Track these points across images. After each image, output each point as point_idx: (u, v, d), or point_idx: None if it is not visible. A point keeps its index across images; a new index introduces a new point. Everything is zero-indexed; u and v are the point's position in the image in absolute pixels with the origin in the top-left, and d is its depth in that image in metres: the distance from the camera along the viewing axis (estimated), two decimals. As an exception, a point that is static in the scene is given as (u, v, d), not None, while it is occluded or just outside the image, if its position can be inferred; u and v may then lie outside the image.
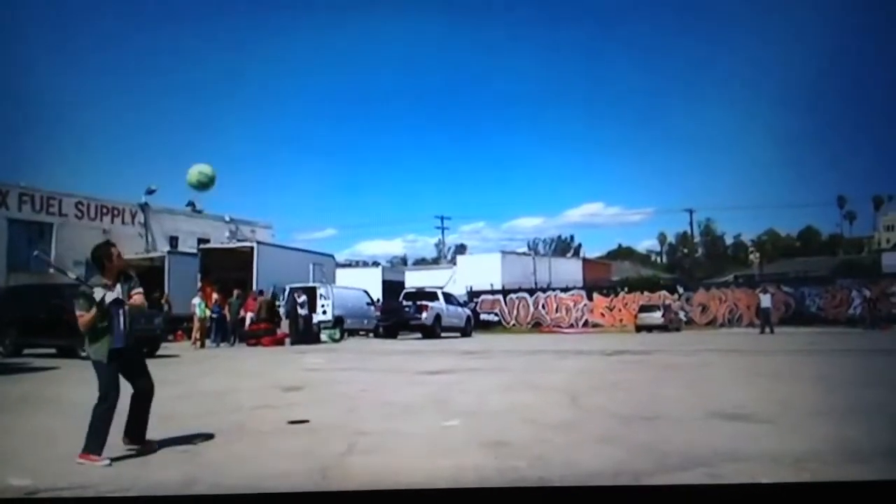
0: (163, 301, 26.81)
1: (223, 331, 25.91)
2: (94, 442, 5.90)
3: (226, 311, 26.09)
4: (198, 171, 7.40)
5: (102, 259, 6.30)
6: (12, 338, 19.34)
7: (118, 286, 6.23)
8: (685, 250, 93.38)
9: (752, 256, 69.43)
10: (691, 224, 78.08)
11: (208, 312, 25.28)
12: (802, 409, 8.25)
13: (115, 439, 6.13)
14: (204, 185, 7.44)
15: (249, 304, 26.61)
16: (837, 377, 12.26)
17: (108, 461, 5.83)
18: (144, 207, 40.00)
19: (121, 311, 6.21)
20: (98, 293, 6.13)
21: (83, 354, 12.56)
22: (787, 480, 4.99)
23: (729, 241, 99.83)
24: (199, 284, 27.71)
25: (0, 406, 9.60)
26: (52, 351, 18.76)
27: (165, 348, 20.15)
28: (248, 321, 26.36)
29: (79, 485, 5.21)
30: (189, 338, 25.44)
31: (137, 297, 6.36)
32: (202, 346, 24.27)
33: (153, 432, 6.46)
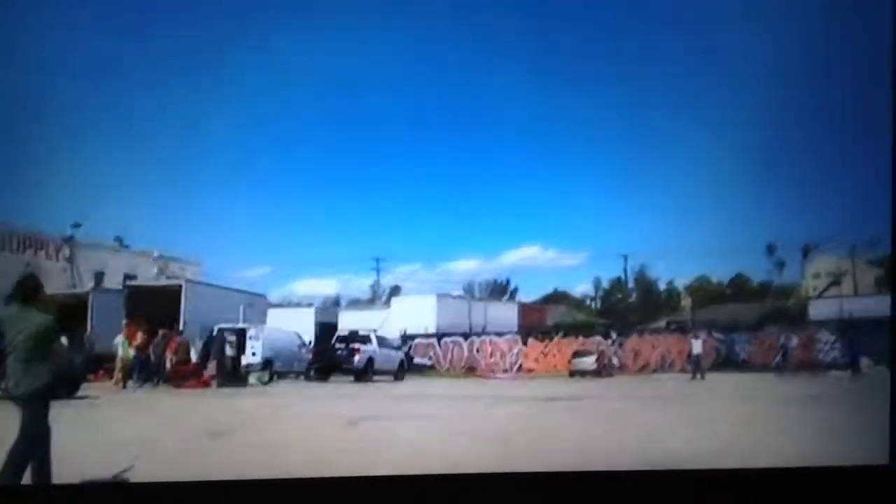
0: (84, 339, 25.96)
1: (146, 371, 25.14)
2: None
3: (150, 351, 25.40)
4: None
5: (36, 290, 6.22)
6: None
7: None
8: (619, 295, 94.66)
9: (684, 302, 70.70)
10: (625, 269, 79.44)
11: (131, 352, 24.54)
12: (733, 455, 8.30)
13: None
14: None
15: (171, 344, 25.98)
16: (766, 421, 12.45)
17: None
18: (70, 241, 38.88)
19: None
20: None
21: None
22: None
23: (662, 286, 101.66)
24: (124, 322, 26.93)
25: None
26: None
27: (85, 388, 19.43)
28: (168, 362, 25.68)
29: None
30: (111, 378, 24.57)
31: None
32: (124, 386, 23.48)
33: (64, 480, 6.16)
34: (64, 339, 6.01)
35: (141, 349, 25.00)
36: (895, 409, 4.40)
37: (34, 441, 5.81)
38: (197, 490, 4.34)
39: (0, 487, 4.64)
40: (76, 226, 39.26)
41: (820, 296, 59.41)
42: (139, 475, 7.11)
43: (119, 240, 44.08)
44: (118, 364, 24.00)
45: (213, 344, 26.23)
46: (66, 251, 38.62)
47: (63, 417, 6.44)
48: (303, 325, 38.00)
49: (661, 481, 3.74)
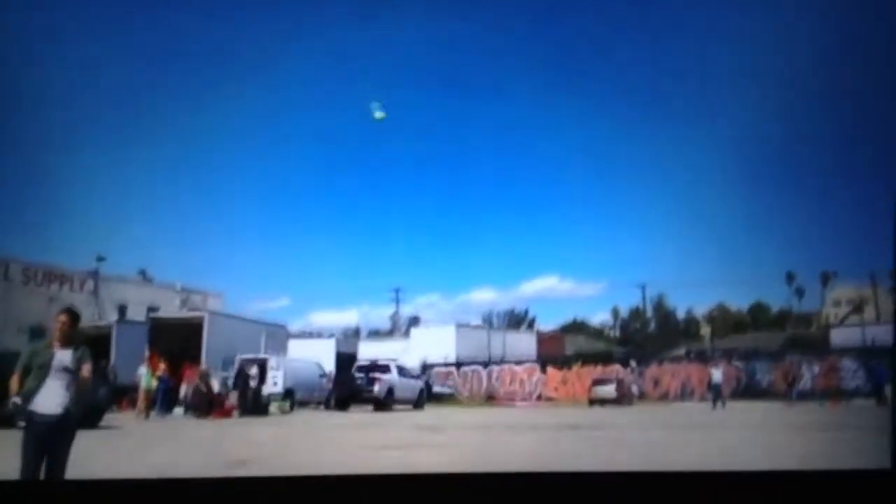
0: (108, 370, 26.23)
1: (169, 401, 25.38)
2: None
3: (171, 382, 25.71)
4: None
5: (52, 322, 6.35)
6: None
7: (67, 352, 6.18)
8: (638, 324, 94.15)
9: (703, 330, 70.23)
10: (644, 298, 78.97)
11: (154, 383, 24.79)
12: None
13: None
14: None
15: (187, 374, 26.20)
16: (788, 451, 12.39)
17: None
18: (94, 275, 39.36)
19: (57, 379, 6.12)
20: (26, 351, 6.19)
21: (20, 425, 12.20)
22: None
23: (681, 315, 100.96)
24: (147, 354, 27.22)
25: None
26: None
27: (109, 419, 19.62)
28: (183, 392, 25.89)
29: None
30: (134, 408, 24.83)
31: (85, 369, 6.28)
32: (147, 416, 23.69)
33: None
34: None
35: (163, 380, 25.28)
36: None
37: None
38: (201, 487, 4.43)
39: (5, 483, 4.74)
40: (100, 259, 39.82)
41: (841, 323, 58.87)
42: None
43: (142, 273, 44.55)
44: (141, 395, 24.28)
45: (237, 374, 26.45)
46: (91, 284, 39.10)
47: (86, 445, 6.54)
48: (323, 356, 38.16)
49: (663, 483, 3.82)
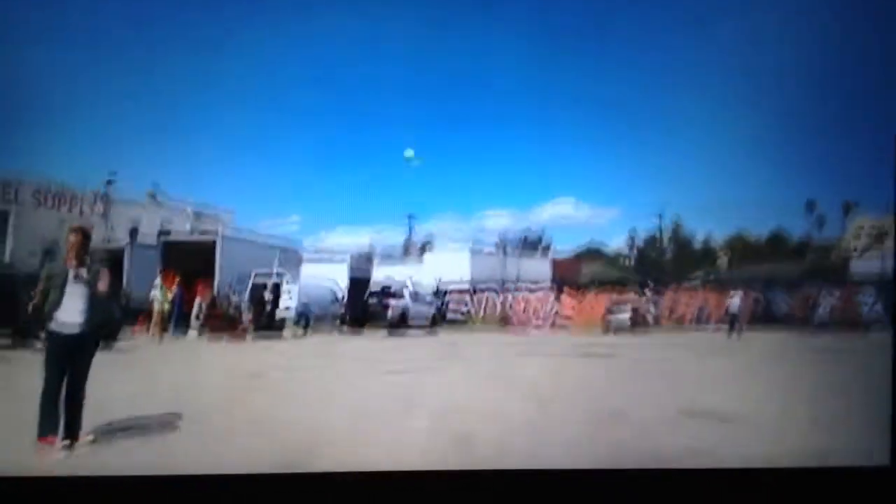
0: (121, 292, 26.26)
1: (183, 322, 25.48)
2: (44, 425, 5.90)
3: (183, 302, 25.81)
4: None
5: (65, 241, 6.44)
6: None
7: (82, 269, 6.25)
8: (654, 250, 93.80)
9: (720, 259, 69.85)
10: (661, 224, 78.44)
11: (167, 303, 24.83)
12: (772, 409, 8.17)
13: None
14: None
15: (200, 290, 26.26)
16: (803, 379, 12.23)
17: (67, 442, 5.86)
18: (104, 196, 39.14)
19: (75, 294, 6.16)
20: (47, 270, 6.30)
21: (38, 345, 12.14)
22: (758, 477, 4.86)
23: (698, 242, 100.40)
24: (160, 275, 27.21)
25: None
26: (6, 342, 18.20)
27: (123, 339, 19.70)
28: (196, 309, 25.97)
29: (38, 470, 5.23)
30: (148, 329, 24.89)
31: (101, 283, 6.33)
32: (161, 337, 23.76)
33: (117, 420, 6.26)
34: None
35: (177, 301, 25.32)
36: None
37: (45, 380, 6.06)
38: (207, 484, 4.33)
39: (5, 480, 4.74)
40: (110, 181, 39.48)
41: (862, 253, 58.35)
42: (184, 415, 7.16)
43: (152, 194, 44.32)
44: (155, 316, 24.29)
45: (251, 294, 26.46)
46: (100, 206, 38.91)
47: (103, 365, 6.52)
48: (336, 278, 38.19)
49: (663, 481, 3.65)
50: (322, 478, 4.22)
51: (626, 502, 4.33)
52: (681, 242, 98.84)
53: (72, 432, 6.06)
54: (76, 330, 6.12)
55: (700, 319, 39.18)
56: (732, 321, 29.93)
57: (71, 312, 6.11)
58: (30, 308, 6.34)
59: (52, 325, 6.09)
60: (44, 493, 4.88)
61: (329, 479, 4.14)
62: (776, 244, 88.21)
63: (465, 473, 4.19)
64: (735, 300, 30.91)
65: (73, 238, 6.32)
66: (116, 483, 4.86)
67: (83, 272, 6.21)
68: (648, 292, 41.84)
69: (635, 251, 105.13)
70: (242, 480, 4.39)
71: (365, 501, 3.97)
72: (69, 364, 6.11)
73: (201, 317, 25.75)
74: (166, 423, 6.76)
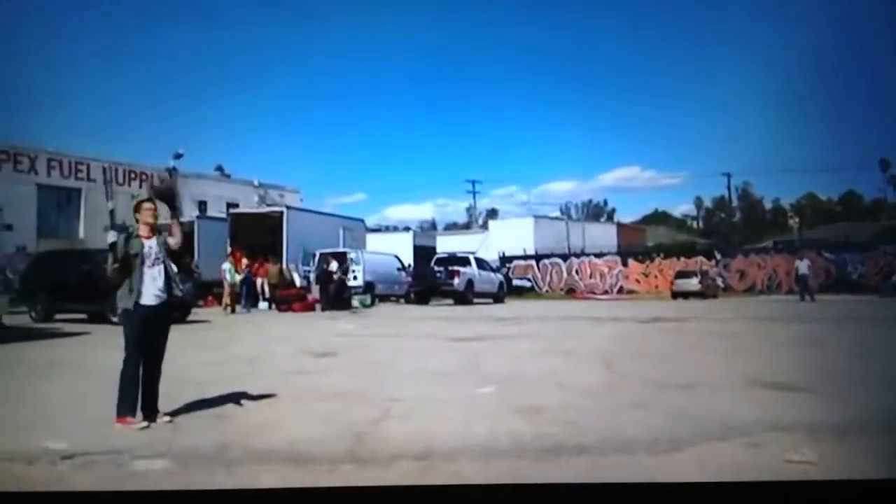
0: (192, 266, 26.91)
1: (253, 296, 26.04)
2: (123, 404, 5.88)
3: (256, 277, 26.38)
4: None
5: (134, 212, 6.21)
6: (44, 303, 19.51)
7: (153, 240, 6.14)
8: (722, 215, 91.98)
9: (791, 221, 68.03)
10: (729, 188, 76.91)
11: (238, 277, 25.37)
12: (843, 378, 8.05)
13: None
14: None
15: (261, 269, 26.78)
16: (879, 346, 11.98)
17: (144, 424, 5.84)
18: (172, 172, 39.86)
19: (152, 268, 6.09)
20: (111, 237, 6.14)
21: (114, 320, 12.60)
22: (827, 452, 4.82)
23: (767, 205, 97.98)
24: (229, 250, 27.77)
25: (32, 371, 9.62)
26: (83, 316, 18.90)
27: (196, 314, 20.22)
28: (259, 286, 26.55)
29: (113, 449, 5.16)
30: (219, 303, 25.51)
31: (171, 239, 6.27)
32: (233, 311, 24.34)
33: (187, 396, 6.43)
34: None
35: (247, 275, 25.95)
36: None
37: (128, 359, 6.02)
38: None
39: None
40: (178, 156, 40.22)
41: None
42: (254, 389, 7.37)
43: (220, 169, 45.06)
44: (226, 289, 24.84)
45: (318, 268, 26.87)
46: (170, 181, 39.70)
47: (177, 340, 6.64)
48: (401, 249, 38.47)
49: (665, 495, 3.61)
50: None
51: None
52: (749, 204, 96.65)
53: (151, 412, 6.02)
54: (154, 303, 6.04)
55: (771, 286, 38.47)
56: (804, 285, 29.29)
57: (149, 286, 6.02)
58: (107, 285, 6.28)
59: (130, 302, 5.97)
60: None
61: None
62: (849, 205, 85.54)
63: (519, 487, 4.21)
64: (805, 262, 30.18)
65: (147, 206, 6.19)
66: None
67: (154, 244, 6.12)
68: (717, 257, 41.23)
69: (702, 215, 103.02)
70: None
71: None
72: (147, 341, 6.04)
73: (266, 295, 26.32)
74: (237, 399, 6.92)
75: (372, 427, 5.82)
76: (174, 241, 6.28)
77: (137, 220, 6.19)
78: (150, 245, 6.11)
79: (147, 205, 6.22)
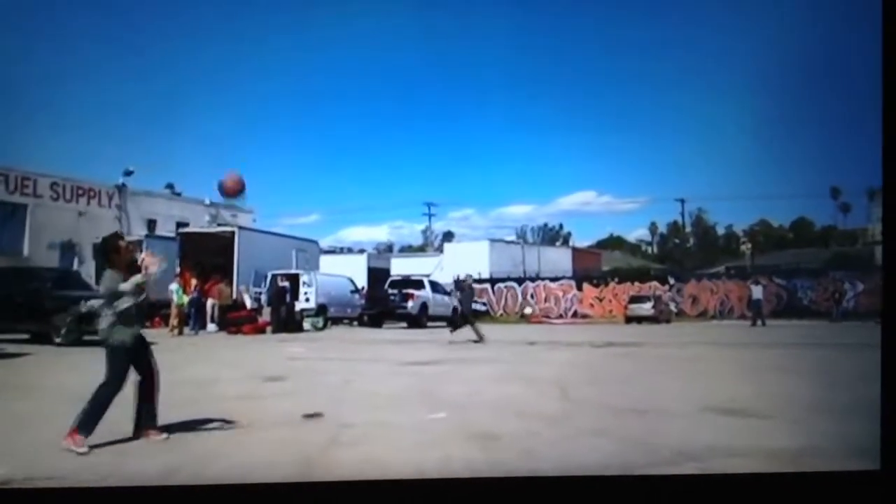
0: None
1: (201, 318, 25.53)
2: (85, 422, 5.82)
3: (205, 298, 25.91)
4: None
5: (111, 252, 6.36)
6: None
7: (133, 277, 6.30)
8: (676, 240, 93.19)
9: (743, 247, 69.22)
10: (683, 214, 78.06)
11: (186, 299, 24.85)
12: (799, 403, 8.10)
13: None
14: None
15: (211, 290, 26.33)
16: (833, 371, 12.12)
17: (86, 448, 5.73)
18: (121, 189, 39.17)
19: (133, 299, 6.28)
20: (134, 281, 6.26)
21: (57, 341, 12.23)
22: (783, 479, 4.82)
23: (721, 231, 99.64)
24: (178, 270, 27.22)
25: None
26: (26, 336, 18.28)
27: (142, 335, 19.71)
28: (209, 308, 26.04)
29: (55, 473, 5.04)
30: (167, 324, 24.89)
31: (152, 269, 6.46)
32: (180, 333, 23.76)
33: (128, 422, 6.25)
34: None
35: (195, 296, 25.46)
36: (885, 412, 4.21)
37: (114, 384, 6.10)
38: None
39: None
40: (127, 173, 39.53)
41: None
42: (203, 414, 7.19)
43: (170, 187, 44.48)
44: (174, 311, 24.23)
45: (270, 290, 26.51)
46: (118, 199, 38.94)
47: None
48: (355, 271, 38.24)
49: (650, 487, 3.60)
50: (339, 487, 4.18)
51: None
52: (703, 230, 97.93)
53: (153, 427, 6.28)
54: (139, 331, 6.37)
55: (723, 311, 39.00)
56: (756, 310, 29.73)
57: (135, 318, 6.30)
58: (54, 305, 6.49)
59: (128, 335, 6.19)
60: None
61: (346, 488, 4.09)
62: (800, 231, 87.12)
63: (482, 481, 4.15)
64: (758, 288, 30.67)
65: (123, 248, 6.43)
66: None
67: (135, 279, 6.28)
68: (671, 282, 41.69)
69: (657, 240, 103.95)
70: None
71: None
72: (137, 366, 6.29)
73: (216, 318, 25.83)
74: (185, 424, 6.77)
75: (323, 453, 5.72)
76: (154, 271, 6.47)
77: (121, 261, 6.34)
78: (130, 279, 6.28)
79: (122, 244, 6.49)
